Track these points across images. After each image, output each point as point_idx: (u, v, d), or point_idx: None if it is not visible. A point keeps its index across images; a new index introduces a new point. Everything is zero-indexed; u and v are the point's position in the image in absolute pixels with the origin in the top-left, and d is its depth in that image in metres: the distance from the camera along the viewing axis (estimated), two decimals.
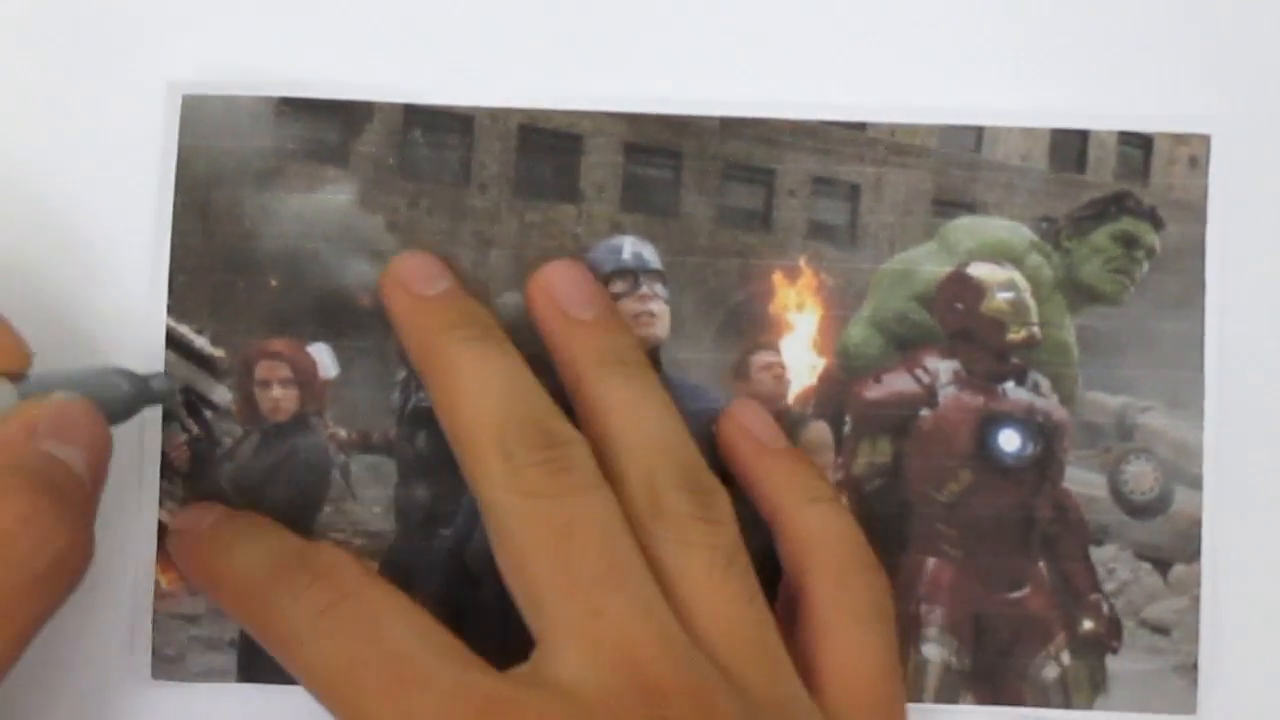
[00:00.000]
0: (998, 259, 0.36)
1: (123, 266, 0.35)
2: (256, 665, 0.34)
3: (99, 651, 0.34)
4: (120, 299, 0.35)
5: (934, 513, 0.35)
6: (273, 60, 0.36)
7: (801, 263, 0.36)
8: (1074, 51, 0.36)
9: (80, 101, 0.36)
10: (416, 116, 0.36)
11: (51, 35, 0.36)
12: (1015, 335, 0.36)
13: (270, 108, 0.35)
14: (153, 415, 0.35)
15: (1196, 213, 0.36)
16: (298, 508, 0.35)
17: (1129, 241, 0.36)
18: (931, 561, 0.35)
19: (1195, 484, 0.35)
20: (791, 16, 0.36)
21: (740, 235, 0.36)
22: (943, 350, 0.36)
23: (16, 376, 0.31)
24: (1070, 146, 0.36)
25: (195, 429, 0.35)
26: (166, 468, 0.35)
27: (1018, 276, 0.36)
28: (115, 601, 0.34)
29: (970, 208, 0.36)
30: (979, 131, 0.36)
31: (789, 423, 0.35)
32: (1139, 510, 0.35)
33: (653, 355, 0.35)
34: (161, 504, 0.34)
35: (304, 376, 0.35)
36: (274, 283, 0.35)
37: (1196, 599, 0.35)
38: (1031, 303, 0.36)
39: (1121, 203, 0.36)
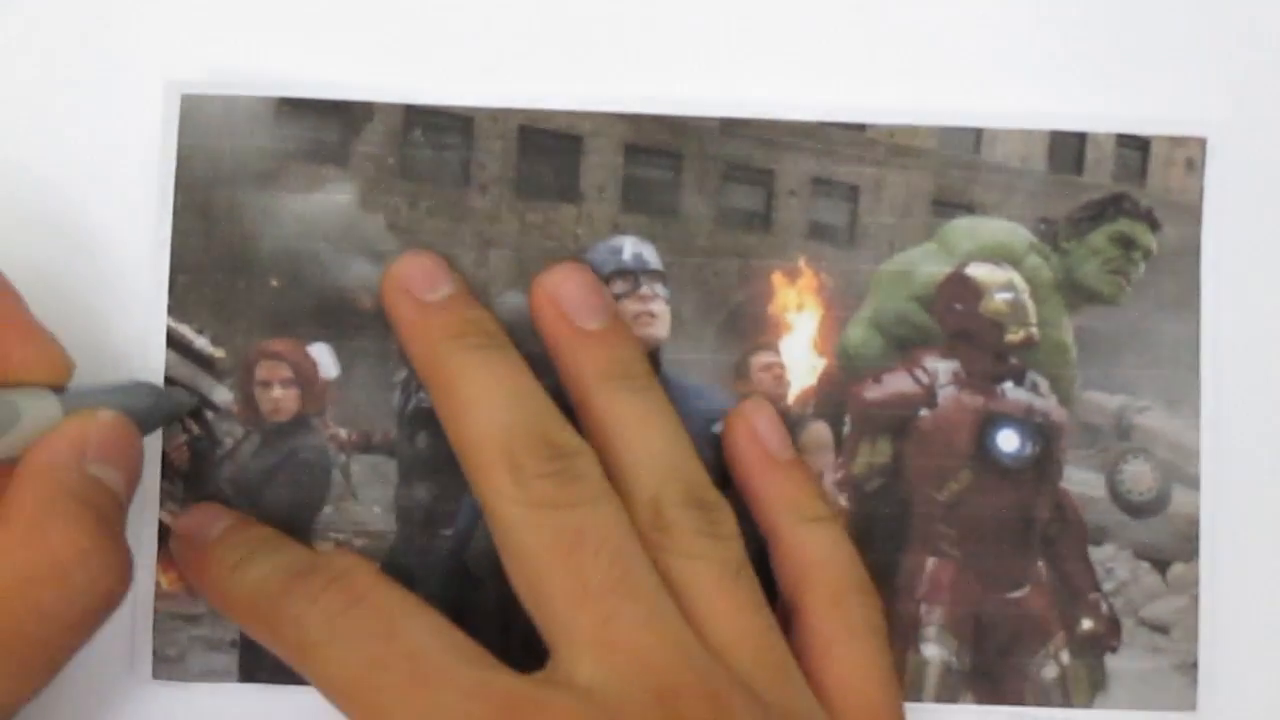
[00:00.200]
0: (996, 260, 0.36)
1: (123, 266, 0.35)
2: (257, 665, 0.34)
3: (99, 651, 0.34)
4: (120, 299, 0.35)
5: (933, 512, 0.35)
6: (273, 60, 0.36)
7: (801, 263, 0.36)
8: (1073, 55, 0.36)
9: (80, 101, 0.35)
10: (416, 116, 0.36)
11: (51, 35, 0.36)
12: (1014, 336, 0.36)
13: (270, 108, 0.35)
14: None
15: (1193, 214, 0.36)
16: (298, 508, 0.35)
17: (1126, 243, 0.36)
18: (931, 561, 0.35)
19: (1193, 483, 0.35)
20: (792, 17, 0.36)
21: (740, 236, 0.36)
22: (942, 351, 0.36)
23: (58, 389, 0.31)
24: (1068, 148, 0.36)
25: (196, 429, 0.35)
26: (167, 468, 0.35)
27: (1016, 277, 0.36)
28: None
29: (969, 209, 0.36)
30: (978, 133, 0.36)
31: (789, 423, 0.35)
32: (1137, 510, 0.36)
33: (653, 355, 0.35)
34: (162, 504, 0.34)
35: (305, 377, 0.35)
36: (274, 283, 0.35)
37: (1195, 598, 0.35)
38: (1030, 303, 0.36)
39: (1119, 204, 0.36)
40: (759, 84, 0.36)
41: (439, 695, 0.28)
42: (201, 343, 0.35)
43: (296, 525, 0.35)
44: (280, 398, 0.35)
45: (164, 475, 0.35)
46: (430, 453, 0.35)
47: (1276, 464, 0.36)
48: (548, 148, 0.36)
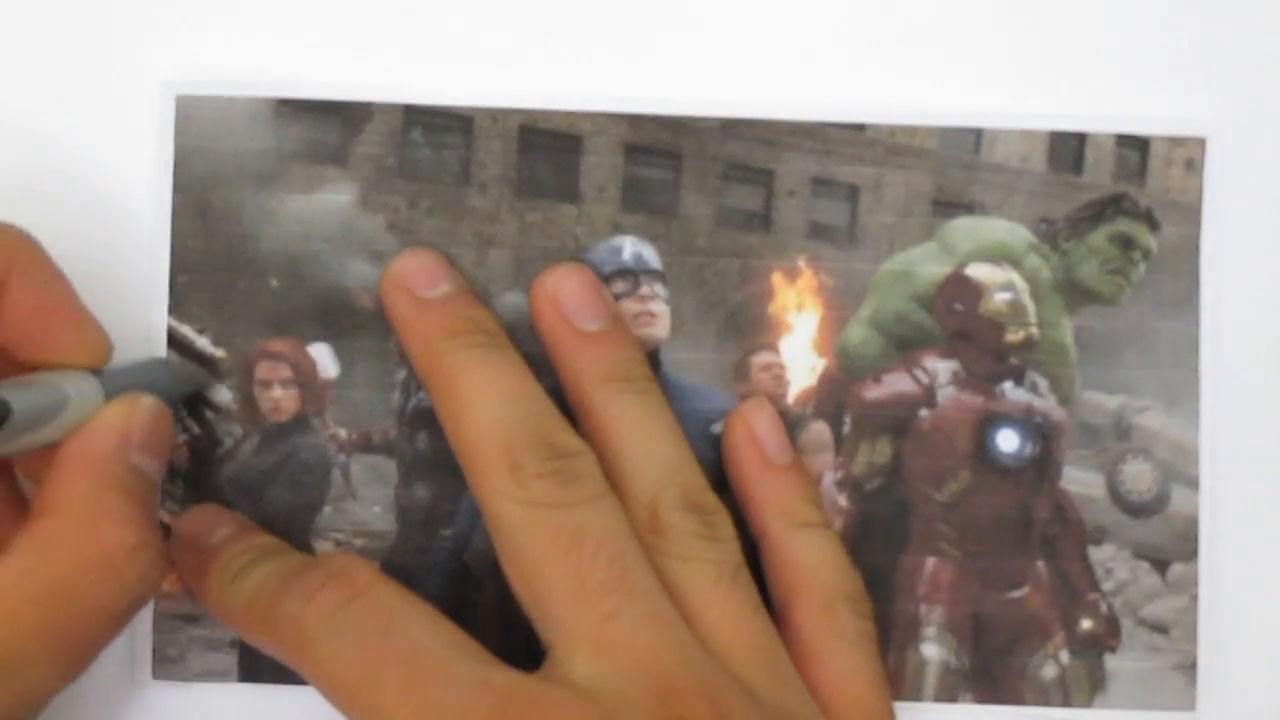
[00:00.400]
0: (996, 260, 0.36)
1: (123, 266, 0.35)
2: (257, 665, 0.34)
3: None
4: (120, 299, 0.35)
5: (933, 512, 0.35)
6: (271, 61, 0.36)
7: (801, 263, 0.36)
8: (1072, 55, 0.36)
9: (78, 103, 0.35)
10: (416, 116, 0.36)
11: (49, 37, 0.36)
12: (1014, 336, 0.36)
13: (269, 108, 0.35)
14: None
15: (1192, 214, 0.36)
16: (298, 508, 0.35)
17: (1126, 243, 0.36)
18: (931, 561, 0.35)
19: (1193, 483, 0.35)
20: (791, 17, 0.36)
21: (740, 236, 0.36)
22: (942, 351, 0.36)
23: (98, 371, 0.31)
24: (1068, 148, 0.36)
25: (196, 429, 0.35)
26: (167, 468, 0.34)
27: (1016, 277, 0.36)
28: None
29: (969, 209, 0.36)
30: (978, 133, 0.36)
31: (789, 423, 0.35)
32: (1137, 510, 0.36)
33: (653, 355, 0.35)
34: (162, 504, 0.34)
35: (304, 377, 0.35)
36: (274, 283, 0.35)
37: (1194, 598, 0.35)
38: (1030, 303, 0.36)
39: (1119, 204, 0.36)
40: (759, 84, 0.36)
41: (438, 692, 0.28)
42: (202, 343, 0.35)
43: (296, 525, 0.35)
44: (280, 398, 0.35)
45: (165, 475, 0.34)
46: (430, 453, 0.35)
47: (1276, 464, 0.36)
48: (548, 148, 0.36)
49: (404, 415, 0.35)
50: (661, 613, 0.30)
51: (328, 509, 0.35)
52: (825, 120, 0.36)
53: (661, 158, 0.36)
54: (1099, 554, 0.35)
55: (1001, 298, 0.36)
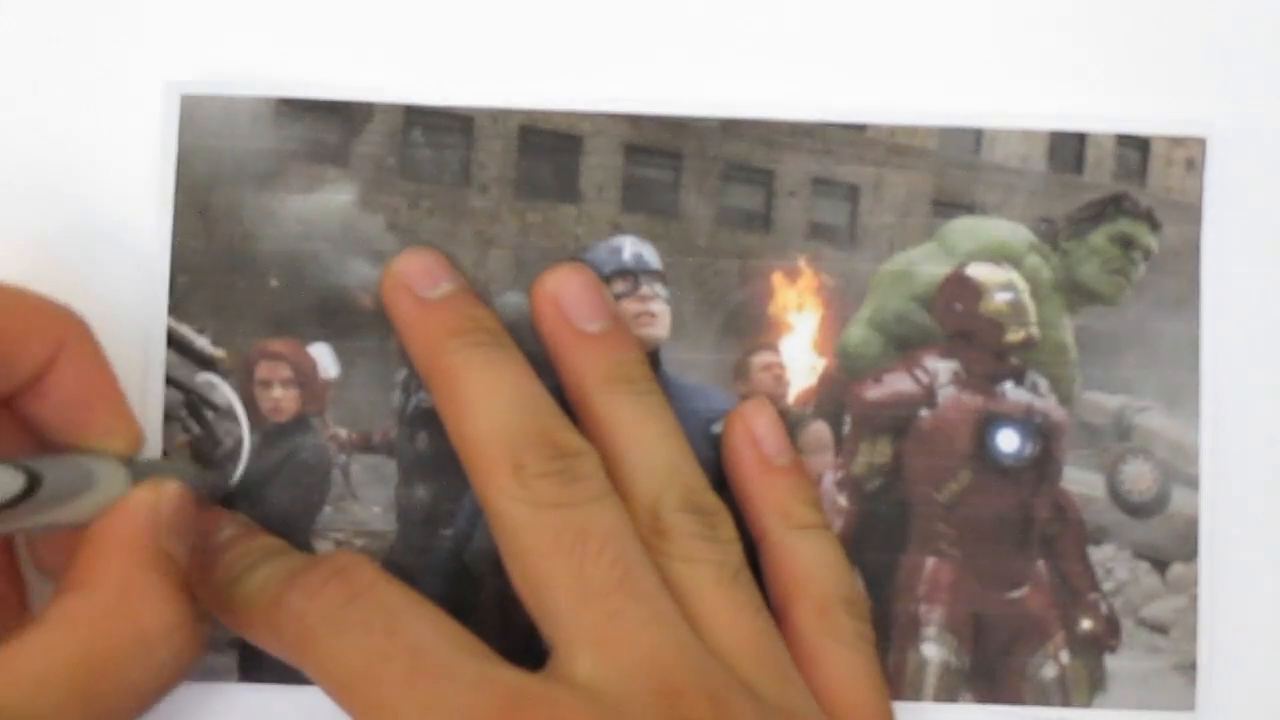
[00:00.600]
0: (997, 260, 0.36)
1: (123, 266, 0.35)
2: (257, 665, 0.34)
3: None
4: (120, 299, 0.35)
5: (933, 512, 0.35)
6: (272, 61, 0.36)
7: (801, 263, 0.36)
8: (1073, 55, 0.36)
9: (80, 103, 0.35)
10: (416, 116, 0.36)
11: (51, 37, 0.36)
12: (1014, 336, 0.36)
13: (270, 108, 0.35)
14: (154, 416, 0.35)
15: (1193, 214, 0.36)
16: (298, 508, 0.35)
17: (1126, 242, 0.36)
18: (931, 561, 0.35)
19: (1193, 483, 0.35)
20: (791, 17, 0.36)
21: (740, 236, 0.36)
22: (942, 350, 0.36)
23: (127, 459, 0.31)
24: (1069, 148, 0.36)
25: (196, 429, 0.35)
26: None
27: (1016, 277, 0.36)
28: None
29: (969, 209, 0.36)
30: (978, 133, 0.36)
31: (789, 423, 0.35)
32: (1137, 510, 0.36)
33: (653, 355, 0.35)
34: None
35: (305, 377, 0.35)
36: (275, 283, 0.35)
37: (1194, 598, 0.35)
38: (1030, 303, 0.36)
39: (1119, 204, 0.36)
40: (759, 84, 0.36)
41: (441, 688, 0.28)
42: (202, 343, 0.35)
43: (297, 525, 0.35)
44: (280, 398, 0.35)
45: None
46: (430, 453, 0.35)
47: (1276, 464, 0.36)
48: (548, 148, 0.36)
49: (404, 415, 0.35)
50: (664, 613, 0.30)
51: (328, 509, 0.35)
52: (825, 120, 0.36)
53: (661, 158, 0.36)
54: (1099, 554, 0.35)
55: (1002, 298, 0.36)
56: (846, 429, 0.36)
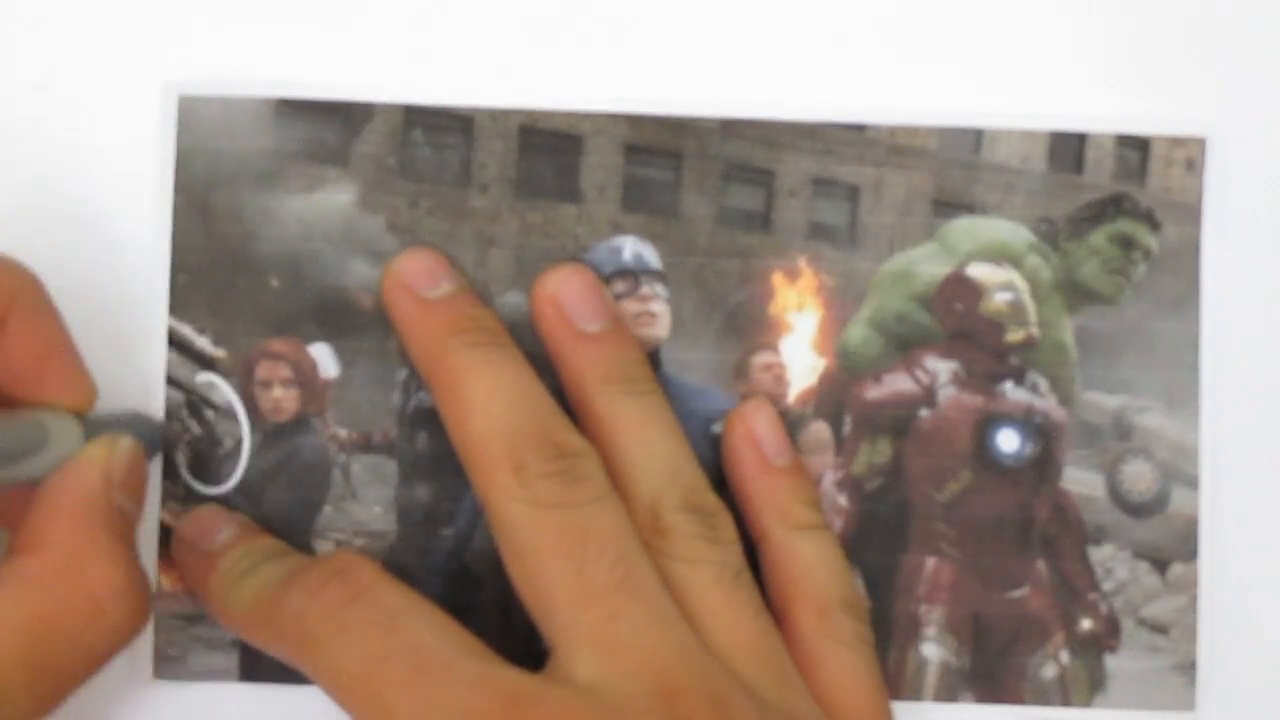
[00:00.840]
0: (997, 260, 0.36)
1: (123, 266, 0.35)
2: (257, 665, 0.34)
3: None
4: (120, 299, 0.35)
5: (933, 512, 0.35)
6: (272, 61, 0.36)
7: (801, 263, 0.36)
8: (1073, 55, 0.36)
9: (79, 103, 0.35)
10: (416, 116, 0.36)
11: (49, 37, 0.36)
12: (1014, 336, 0.36)
13: (269, 108, 0.35)
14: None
15: (1193, 214, 0.36)
16: (298, 508, 0.35)
17: (1126, 242, 0.36)
18: (931, 561, 0.35)
19: (1193, 483, 0.35)
20: (791, 17, 0.36)
21: (740, 236, 0.36)
22: (942, 351, 0.36)
23: (81, 415, 0.31)
24: (1069, 148, 0.36)
25: (196, 429, 0.35)
26: (168, 467, 0.35)
27: (1016, 277, 0.36)
28: None
29: (969, 209, 0.36)
30: (978, 133, 0.36)
31: (789, 423, 0.35)
32: (1137, 510, 0.36)
33: (653, 355, 0.35)
34: (163, 504, 0.34)
35: (305, 377, 0.35)
36: (275, 283, 0.35)
37: (1194, 598, 0.35)
38: (1030, 303, 0.36)
39: (1119, 204, 0.36)
40: (759, 84, 0.36)
41: (442, 688, 0.28)
42: (202, 342, 0.35)
43: (296, 525, 0.35)
44: (280, 398, 0.35)
45: (165, 475, 0.35)
46: (430, 453, 0.35)
47: (1276, 464, 0.36)
48: (548, 148, 0.36)
49: (404, 415, 0.35)
50: (664, 614, 0.30)
51: (328, 509, 0.35)
52: (825, 120, 0.36)
53: (662, 158, 0.36)
54: (1099, 554, 0.35)
55: (1002, 298, 0.36)
56: (846, 429, 0.36)
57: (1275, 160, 0.36)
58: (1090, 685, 0.35)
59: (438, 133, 0.36)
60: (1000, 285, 0.36)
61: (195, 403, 0.35)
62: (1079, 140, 0.36)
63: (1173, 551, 0.35)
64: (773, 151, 0.36)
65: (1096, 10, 0.36)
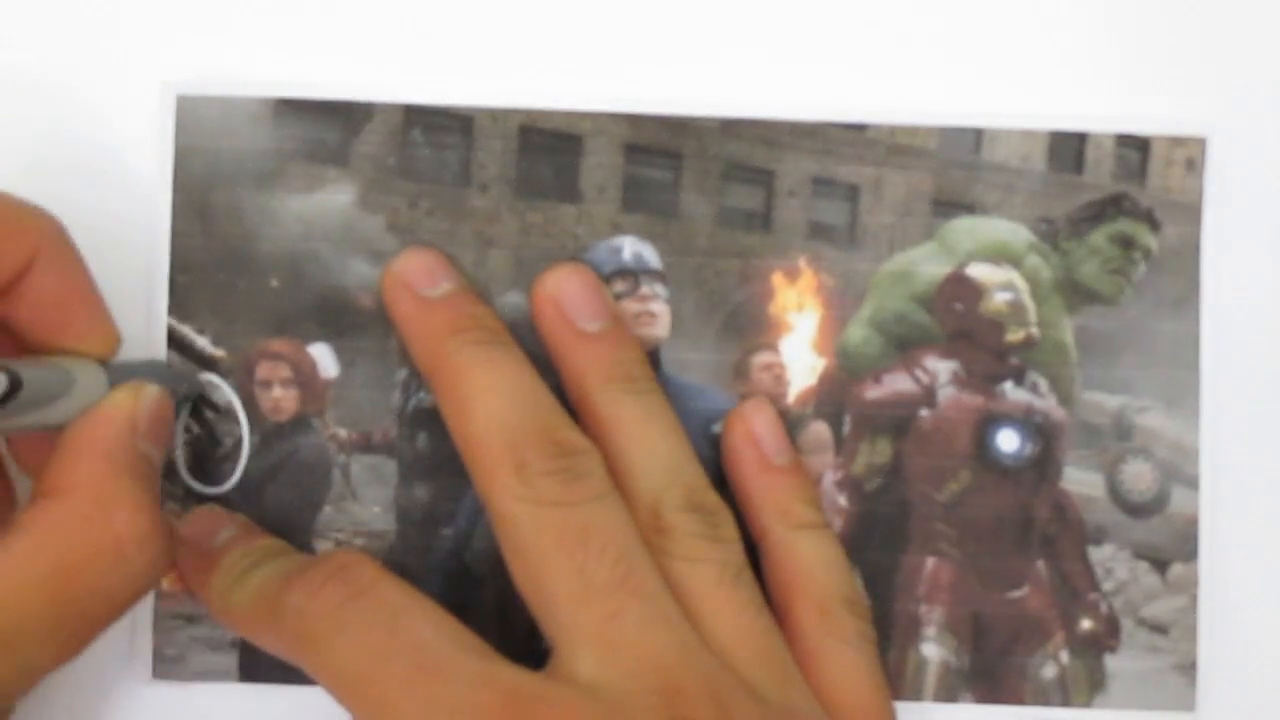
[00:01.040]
0: (996, 260, 0.36)
1: (123, 267, 0.35)
2: (257, 665, 0.34)
3: (99, 651, 0.34)
4: (120, 299, 0.35)
5: (933, 512, 0.35)
6: (271, 60, 0.36)
7: (801, 263, 0.36)
8: (1073, 55, 0.36)
9: (77, 103, 0.35)
10: (416, 116, 0.36)
11: (48, 37, 0.36)
12: (1014, 336, 0.36)
13: (269, 108, 0.35)
14: None
15: (1193, 214, 0.36)
16: (298, 508, 0.35)
17: (1126, 242, 0.36)
18: (931, 561, 0.35)
19: (1193, 483, 0.35)
20: (791, 17, 0.36)
21: (740, 236, 0.36)
22: (942, 351, 0.36)
23: (104, 362, 0.31)
24: (1068, 148, 0.36)
25: (196, 429, 0.35)
26: (168, 467, 0.34)
27: (1016, 277, 0.36)
28: None
29: (969, 209, 0.36)
30: (978, 133, 0.36)
31: (789, 423, 0.35)
32: (1137, 510, 0.36)
33: (653, 355, 0.35)
34: (163, 504, 0.34)
35: (304, 377, 0.35)
36: (275, 283, 0.35)
37: (1194, 598, 0.35)
38: (1030, 303, 0.36)
39: (1119, 204, 0.36)
40: (759, 84, 0.36)
41: (443, 686, 0.28)
42: (202, 343, 0.35)
43: (296, 525, 0.35)
44: (280, 398, 0.35)
45: (166, 475, 0.34)
46: (430, 452, 0.35)
47: (1276, 464, 0.36)
48: (548, 148, 0.36)
49: (404, 415, 0.35)
50: (666, 612, 0.30)
51: (328, 509, 0.35)
52: (825, 120, 0.36)
53: (661, 158, 0.36)
54: (1099, 554, 0.35)
55: (1002, 298, 0.36)
56: (846, 429, 0.36)
57: (1275, 160, 0.36)
58: (1090, 685, 0.35)
59: (437, 133, 0.36)
60: (1000, 285, 0.36)
61: (195, 403, 0.35)
62: (1079, 140, 0.36)
63: (1173, 551, 0.35)
64: (773, 151, 0.36)
65: (1097, 10, 0.36)
